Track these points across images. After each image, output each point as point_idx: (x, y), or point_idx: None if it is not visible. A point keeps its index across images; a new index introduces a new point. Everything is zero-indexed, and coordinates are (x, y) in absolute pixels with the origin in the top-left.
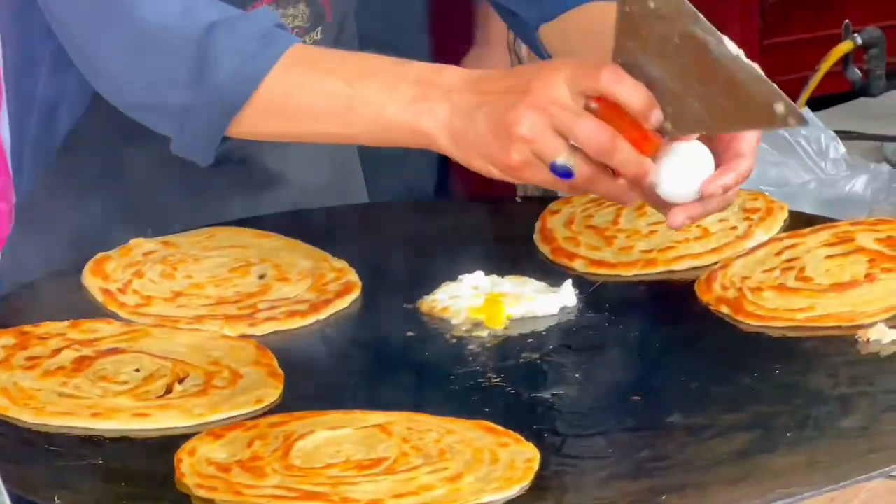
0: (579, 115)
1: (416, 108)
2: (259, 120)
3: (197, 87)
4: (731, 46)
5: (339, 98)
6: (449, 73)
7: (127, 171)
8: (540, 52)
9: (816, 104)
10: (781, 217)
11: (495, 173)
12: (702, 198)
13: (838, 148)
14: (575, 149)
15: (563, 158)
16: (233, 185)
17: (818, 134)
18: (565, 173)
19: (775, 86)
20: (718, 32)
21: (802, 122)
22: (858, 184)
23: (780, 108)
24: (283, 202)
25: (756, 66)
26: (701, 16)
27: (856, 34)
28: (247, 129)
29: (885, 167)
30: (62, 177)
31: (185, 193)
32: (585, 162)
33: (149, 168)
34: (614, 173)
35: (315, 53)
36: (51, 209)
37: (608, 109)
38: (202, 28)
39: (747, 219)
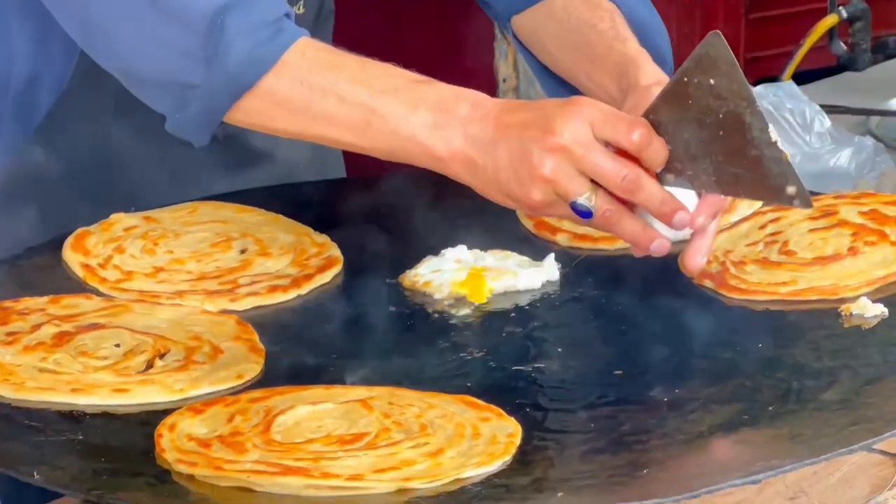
0: (603, 154)
1: (432, 134)
2: (272, 111)
3: (206, 65)
4: (773, 134)
5: (359, 110)
6: (468, 101)
7: (109, 149)
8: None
9: (802, 78)
10: None
11: (512, 205)
12: (695, 232)
13: (823, 121)
14: (596, 188)
15: (584, 198)
16: (216, 162)
17: (803, 107)
18: (585, 213)
19: (794, 170)
20: (766, 119)
21: (809, 205)
22: (843, 157)
23: (791, 190)
24: (267, 179)
25: (785, 152)
26: (756, 102)
27: (841, 7)
28: (255, 120)
29: (870, 141)
30: (41, 154)
31: (168, 171)
32: (606, 201)
33: (131, 146)
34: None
35: (336, 57)
36: (30, 186)
37: (620, 150)
38: (216, 6)
39: None
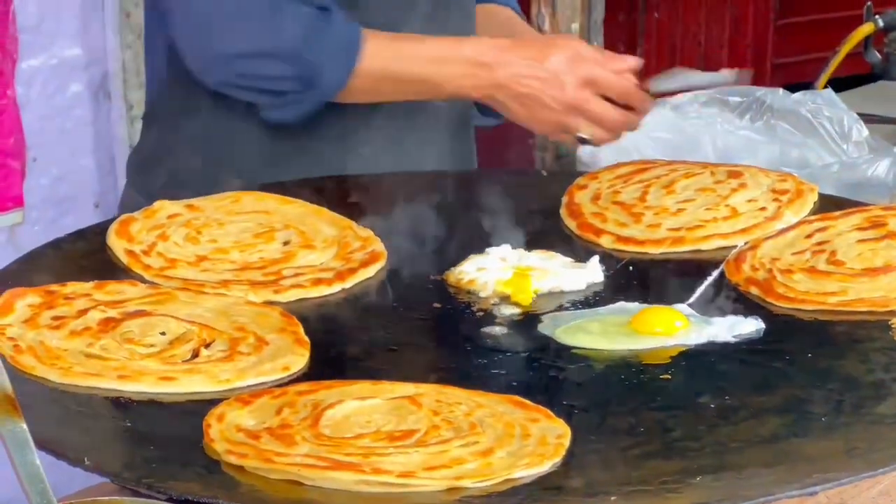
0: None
1: (476, 91)
2: (354, 97)
3: (301, 85)
4: None
5: (423, 83)
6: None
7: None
8: None
9: (834, 86)
10: (811, 199)
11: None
12: None
13: (861, 130)
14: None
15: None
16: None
17: (841, 115)
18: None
19: None
20: None
21: None
22: (881, 168)
23: None
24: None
25: None
26: None
27: (877, 16)
28: (342, 101)
29: None
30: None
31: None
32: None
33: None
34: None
35: (393, 49)
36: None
37: None
38: (300, 39)
39: (776, 200)
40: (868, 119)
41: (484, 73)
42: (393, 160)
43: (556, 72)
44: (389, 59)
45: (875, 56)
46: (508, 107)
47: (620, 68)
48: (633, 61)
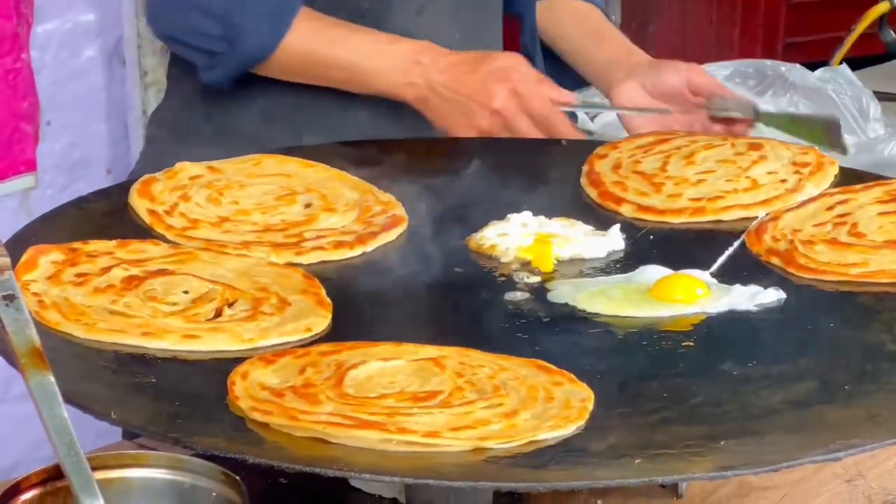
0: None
1: (404, 89)
2: (282, 73)
3: (228, 45)
4: None
5: (350, 72)
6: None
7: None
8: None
9: (849, 65)
10: (832, 172)
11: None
12: None
13: (877, 108)
14: None
15: None
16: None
17: (858, 93)
18: None
19: None
20: None
21: None
22: None
23: None
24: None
25: None
26: None
27: None
28: (271, 75)
29: None
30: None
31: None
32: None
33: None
34: None
35: (326, 32)
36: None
37: None
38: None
39: (797, 172)
40: (884, 97)
41: (417, 72)
42: (392, 126)
43: (486, 80)
44: (319, 40)
45: (890, 35)
46: (435, 110)
47: (551, 96)
48: (566, 96)
